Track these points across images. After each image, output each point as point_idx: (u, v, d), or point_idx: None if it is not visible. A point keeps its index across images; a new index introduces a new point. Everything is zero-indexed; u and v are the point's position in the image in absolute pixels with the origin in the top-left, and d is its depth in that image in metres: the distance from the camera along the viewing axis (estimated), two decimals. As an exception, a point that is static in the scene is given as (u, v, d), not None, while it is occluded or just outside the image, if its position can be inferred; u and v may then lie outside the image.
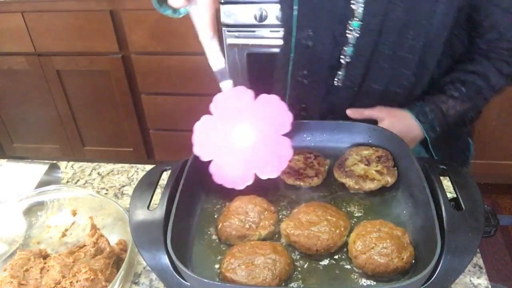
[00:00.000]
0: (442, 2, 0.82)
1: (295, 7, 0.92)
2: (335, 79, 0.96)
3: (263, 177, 0.76)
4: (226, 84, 0.75)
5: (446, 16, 0.84)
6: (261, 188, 0.77)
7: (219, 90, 0.76)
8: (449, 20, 0.84)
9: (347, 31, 0.89)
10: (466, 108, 0.93)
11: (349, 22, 0.88)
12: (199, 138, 0.76)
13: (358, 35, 0.88)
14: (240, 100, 0.75)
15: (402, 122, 0.92)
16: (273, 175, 0.76)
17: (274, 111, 0.76)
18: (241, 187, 0.76)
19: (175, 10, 0.84)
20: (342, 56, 0.92)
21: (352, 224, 0.71)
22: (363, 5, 0.85)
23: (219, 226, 0.70)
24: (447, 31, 0.86)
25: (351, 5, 0.86)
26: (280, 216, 0.74)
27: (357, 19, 0.87)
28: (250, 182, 0.75)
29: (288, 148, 0.77)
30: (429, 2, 0.82)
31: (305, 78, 1.01)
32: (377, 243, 0.63)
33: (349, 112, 0.95)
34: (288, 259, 0.65)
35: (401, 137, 0.81)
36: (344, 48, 0.91)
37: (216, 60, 0.75)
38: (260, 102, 0.75)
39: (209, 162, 0.76)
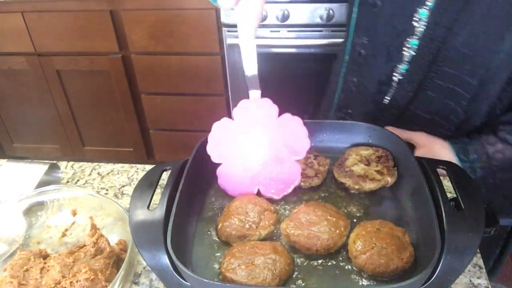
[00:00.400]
0: (508, 41, 0.74)
1: (355, 9, 0.89)
2: (385, 96, 0.91)
3: (266, 195, 0.76)
4: (254, 94, 0.74)
5: (510, 56, 0.76)
6: (261, 188, 0.77)
7: (246, 96, 0.75)
8: None
9: (403, 48, 0.84)
10: None
11: (407, 39, 0.82)
12: (214, 138, 0.75)
13: (414, 54, 0.83)
14: (263, 113, 0.74)
15: (439, 156, 0.85)
16: (275, 197, 0.76)
17: (294, 133, 0.75)
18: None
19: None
20: (395, 74, 0.87)
21: (352, 224, 0.71)
22: (426, 25, 0.79)
23: (219, 226, 0.70)
24: (509, 73, 0.78)
25: (413, 22, 0.80)
26: (280, 216, 0.74)
27: (416, 38, 0.81)
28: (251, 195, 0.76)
29: (297, 175, 0.76)
30: (493, 39, 0.75)
31: (354, 86, 0.98)
32: (377, 243, 0.63)
33: (390, 129, 0.89)
34: (288, 259, 0.64)
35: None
36: (398, 65, 0.86)
37: (251, 65, 0.72)
38: (283, 120, 0.75)
39: (213, 164, 0.76)
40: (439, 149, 0.87)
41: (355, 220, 0.72)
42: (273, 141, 0.75)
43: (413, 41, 0.82)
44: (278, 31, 1.82)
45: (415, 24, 0.80)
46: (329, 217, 0.69)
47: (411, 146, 0.88)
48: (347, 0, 0.94)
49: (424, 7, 0.78)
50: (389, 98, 0.91)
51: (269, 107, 0.74)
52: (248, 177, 0.76)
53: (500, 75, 0.79)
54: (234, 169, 0.76)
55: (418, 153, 0.87)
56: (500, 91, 0.81)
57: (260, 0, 0.66)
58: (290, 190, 0.76)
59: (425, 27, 0.79)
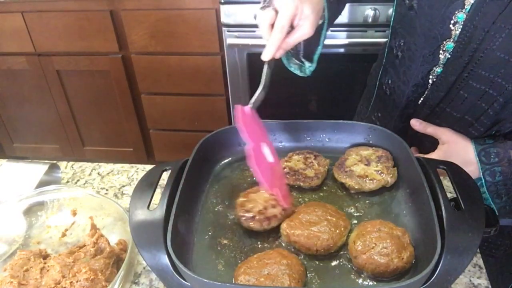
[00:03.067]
0: None
1: (393, 13, 0.89)
2: (420, 98, 0.91)
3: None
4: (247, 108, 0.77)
5: None
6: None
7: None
8: None
9: (440, 51, 0.84)
10: None
11: (444, 42, 0.82)
12: (247, 122, 0.75)
13: (449, 57, 0.83)
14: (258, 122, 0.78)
15: (460, 154, 0.85)
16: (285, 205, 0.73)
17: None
18: (266, 186, 0.73)
19: (302, 69, 0.86)
20: (430, 76, 0.88)
21: (352, 225, 0.71)
22: (462, 28, 0.79)
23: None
24: None
25: (450, 25, 0.80)
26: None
27: (452, 41, 0.81)
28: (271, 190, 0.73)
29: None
30: None
31: (388, 88, 0.98)
32: (377, 243, 0.63)
33: (414, 122, 0.91)
34: (298, 260, 0.64)
35: None
36: (434, 68, 0.86)
37: (260, 88, 0.77)
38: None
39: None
40: (461, 147, 0.86)
41: (355, 221, 0.72)
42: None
43: (449, 45, 0.82)
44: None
45: (451, 27, 0.80)
46: (329, 217, 0.69)
47: (435, 141, 0.88)
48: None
49: (462, 10, 0.78)
50: (422, 99, 0.91)
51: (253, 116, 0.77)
52: (268, 166, 0.76)
53: None
54: (260, 152, 0.76)
55: (440, 148, 0.87)
56: None
57: (285, 20, 0.72)
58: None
59: (460, 30, 0.79)
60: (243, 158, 0.86)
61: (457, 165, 0.73)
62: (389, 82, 0.97)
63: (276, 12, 0.73)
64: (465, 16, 0.78)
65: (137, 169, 1.03)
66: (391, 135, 0.82)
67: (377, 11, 1.71)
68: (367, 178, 0.77)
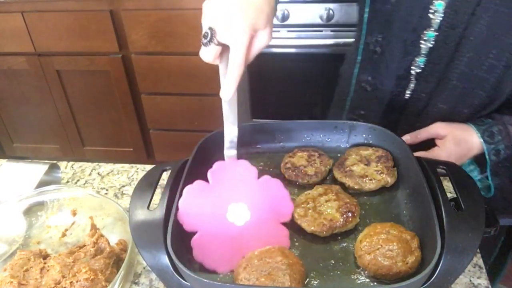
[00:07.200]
0: None
1: (366, 10, 0.89)
2: (406, 92, 0.91)
3: None
4: (230, 153, 0.71)
5: None
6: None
7: (221, 157, 0.72)
8: None
9: (420, 41, 0.83)
10: None
11: (424, 32, 0.82)
12: (187, 203, 0.66)
13: (431, 46, 0.83)
14: (241, 175, 0.70)
15: (464, 141, 0.84)
16: None
17: (276, 195, 0.70)
18: (223, 270, 0.65)
19: None
20: (412, 67, 0.87)
21: (362, 225, 0.71)
22: (442, 15, 0.79)
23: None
24: None
25: (429, 14, 0.80)
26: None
27: (433, 30, 0.81)
28: (233, 267, 0.65)
29: (285, 238, 0.69)
30: None
31: (369, 85, 0.96)
32: (383, 245, 0.63)
33: (406, 138, 0.88)
34: (299, 260, 0.64)
35: (459, 156, 0.79)
36: (416, 59, 0.86)
37: (230, 127, 0.70)
38: (263, 182, 0.70)
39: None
40: (462, 133, 0.85)
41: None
42: (254, 202, 0.69)
43: (430, 33, 0.81)
44: (278, 31, 1.82)
45: (431, 16, 0.80)
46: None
47: (432, 142, 0.86)
48: (357, 1, 0.93)
49: None
50: (409, 93, 0.91)
51: (248, 168, 0.70)
52: (229, 245, 0.67)
53: None
54: (212, 237, 0.66)
55: (445, 142, 0.85)
56: None
57: (241, 56, 0.61)
58: None
59: (441, 18, 0.79)
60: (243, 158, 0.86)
61: (457, 165, 0.73)
62: (369, 78, 0.96)
63: (221, 45, 0.63)
64: (444, 4, 0.78)
65: (137, 169, 1.03)
66: (391, 135, 0.82)
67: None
68: (367, 178, 0.77)
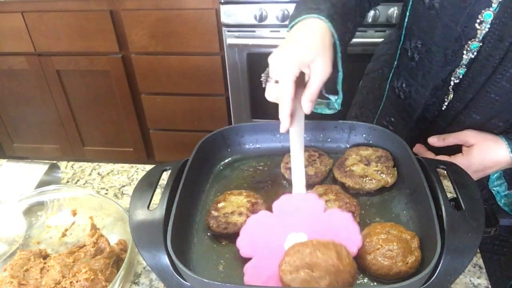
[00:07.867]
0: None
1: (407, 13, 0.85)
2: (441, 103, 0.87)
3: None
4: (300, 191, 0.71)
5: None
6: (261, 180, 0.78)
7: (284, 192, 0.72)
8: None
9: (463, 51, 0.80)
10: None
11: (469, 42, 0.78)
12: (248, 231, 0.67)
13: (473, 57, 0.79)
14: (306, 206, 0.69)
15: (493, 151, 0.81)
16: None
17: (343, 230, 0.66)
18: None
19: (329, 105, 0.80)
20: (452, 78, 0.84)
21: (362, 224, 0.70)
22: (489, 26, 0.75)
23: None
24: None
25: (475, 24, 0.76)
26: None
27: (477, 40, 0.77)
28: None
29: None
30: None
31: (402, 92, 0.93)
32: (383, 245, 0.63)
33: (431, 140, 0.87)
34: (352, 268, 0.60)
35: (483, 167, 0.77)
36: (456, 69, 0.82)
37: (299, 185, 0.70)
38: (329, 215, 0.68)
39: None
40: (491, 145, 0.82)
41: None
42: (315, 233, 0.65)
43: (474, 44, 0.78)
44: (278, 31, 1.82)
45: (477, 26, 0.77)
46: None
47: (459, 147, 0.84)
48: (402, 1, 0.90)
49: (489, 9, 0.75)
50: (447, 103, 0.88)
51: (315, 201, 0.68)
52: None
53: None
54: (266, 265, 0.64)
55: (467, 151, 0.83)
56: None
57: (289, 88, 0.65)
58: None
59: (488, 29, 0.76)
60: (243, 158, 0.86)
61: (457, 165, 0.73)
62: (403, 85, 0.93)
63: (276, 82, 0.67)
64: (492, 14, 0.75)
65: (137, 169, 1.03)
66: (391, 135, 0.82)
67: (377, 11, 1.71)
68: (367, 178, 0.77)
